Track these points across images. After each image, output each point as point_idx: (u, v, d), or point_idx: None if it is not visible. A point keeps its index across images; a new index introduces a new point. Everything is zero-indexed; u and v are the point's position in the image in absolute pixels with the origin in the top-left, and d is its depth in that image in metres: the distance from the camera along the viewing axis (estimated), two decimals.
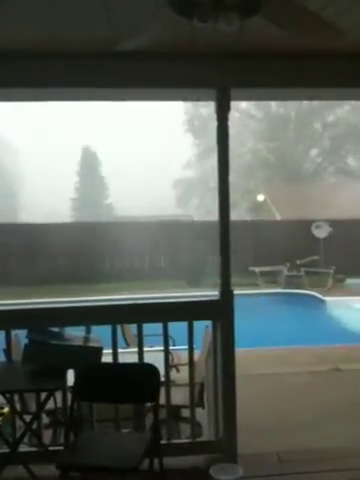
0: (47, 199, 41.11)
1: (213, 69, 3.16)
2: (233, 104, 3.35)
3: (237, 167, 30.17)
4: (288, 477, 3.37)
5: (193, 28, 1.78)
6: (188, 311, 3.54)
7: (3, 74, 3.12)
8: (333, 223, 15.62)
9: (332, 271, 14.24)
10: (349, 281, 14.36)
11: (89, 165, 31.98)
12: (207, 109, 25.85)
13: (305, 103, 26.73)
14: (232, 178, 3.45)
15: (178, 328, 3.59)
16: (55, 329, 3.31)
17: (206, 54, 3.00)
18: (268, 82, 3.34)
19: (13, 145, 44.03)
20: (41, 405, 3.18)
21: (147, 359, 3.29)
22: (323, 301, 12.32)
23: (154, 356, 3.47)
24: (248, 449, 3.56)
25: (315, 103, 26.67)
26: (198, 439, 3.64)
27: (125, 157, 47.33)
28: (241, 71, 3.22)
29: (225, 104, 3.30)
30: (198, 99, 3.99)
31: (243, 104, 29.08)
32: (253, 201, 24.07)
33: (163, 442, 3.39)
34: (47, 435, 3.77)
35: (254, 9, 1.75)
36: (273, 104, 29.17)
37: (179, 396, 3.71)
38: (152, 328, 3.66)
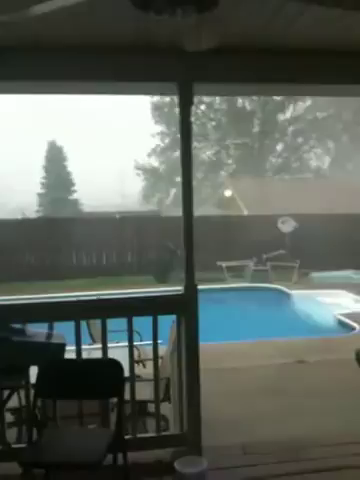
0: (12, 195, 40.41)
1: (175, 63, 3.14)
2: (198, 99, 3.36)
3: (204, 162, 30.33)
4: (252, 469, 3.41)
5: (149, 21, 1.76)
6: (152, 306, 3.54)
7: None
8: (298, 218, 15.85)
9: (297, 265, 14.45)
10: (314, 275, 14.60)
11: (55, 160, 31.54)
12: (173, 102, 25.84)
13: (270, 97, 26.92)
14: (199, 173, 3.46)
15: (146, 324, 3.58)
16: (17, 325, 3.26)
17: (168, 48, 2.99)
18: (231, 77, 3.35)
19: None
20: (3, 403, 3.14)
21: (113, 355, 3.27)
22: (289, 295, 12.50)
23: (120, 352, 3.46)
24: (213, 442, 3.59)
25: (279, 98, 26.90)
26: (163, 433, 3.65)
27: (92, 152, 46.92)
28: (203, 65, 3.21)
29: (188, 98, 3.30)
30: (161, 93, 3.98)
31: (208, 98, 29.17)
32: (220, 196, 24.20)
33: (128, 437, 3.39)
34: (12, 433, 3.73)
35: (211, 3, 1.75)
36: (239, 98, 29.28)
37: (146, 391, 3.72)
38: (118, 324, 3.65)
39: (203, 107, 30.07)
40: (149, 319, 3.52)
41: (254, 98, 28.48)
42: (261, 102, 29.29)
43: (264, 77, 3.40)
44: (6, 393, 3.21)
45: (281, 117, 30.99)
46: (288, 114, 30.95)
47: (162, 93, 3.79)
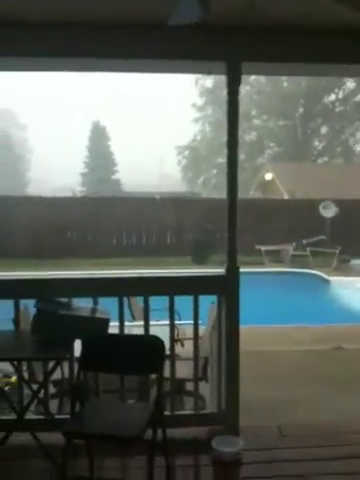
0: (56, 173, 41.12)
1: (224, 41, 3.11)
2: (244, 79, 3.31)
3: (245, 144, 29.99)
4: (289, 450, 3.42)
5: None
6: (194, 285, 3.56)
7: (3, 43, 3.06)
8: (340, 203, 15.54)
9: (337, 251, 14.22)
10: (354, 261, 14.36)
11: (98, 140, 31.85)
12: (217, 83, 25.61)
13: (315, 78, 26.24)
14: (241, 155, 3.42)
15: (184, 304, 3.62)
16: (63, 299, 3.34)
17: (217, 26, 2.95)
18: (279, 56, 3.29)
19: (19, 119, 43.89)
20: (48, 373, 3.24)
21: (153, 333, 3.32)
22: (327, 281, 12.35)
23: (160, 330, 3.50)
24: (249, 422, 3.62)
25: (325, 79, 26.17)
26: (201, 411, 3.70)
27: (134, 133, 47.07)
28: (252, 44, 3.17)
29: (236, 78, 3.26)
30: (209, 72, 3.95)
31: (253, 78, 28.70)
32: (261, 180, 23.95)
33: (167, 413, 3.45)
34: (53, 405, 3.85)
35: None
36: (284, 79, 28.69)
37: (184, 370, 3.76)
38: (158, 303, 3.69)
39: (248, 87, 29.61)
40: (187, 299, 3.54)
41: (299, 79, 27.85)
42: (306, 84, 28.62)
43: (312, 57, 3.33)
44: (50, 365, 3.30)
45: (326, 99, 30.25)
46: (333, 96, 30.17)
47: (210, 72, 3.76)
